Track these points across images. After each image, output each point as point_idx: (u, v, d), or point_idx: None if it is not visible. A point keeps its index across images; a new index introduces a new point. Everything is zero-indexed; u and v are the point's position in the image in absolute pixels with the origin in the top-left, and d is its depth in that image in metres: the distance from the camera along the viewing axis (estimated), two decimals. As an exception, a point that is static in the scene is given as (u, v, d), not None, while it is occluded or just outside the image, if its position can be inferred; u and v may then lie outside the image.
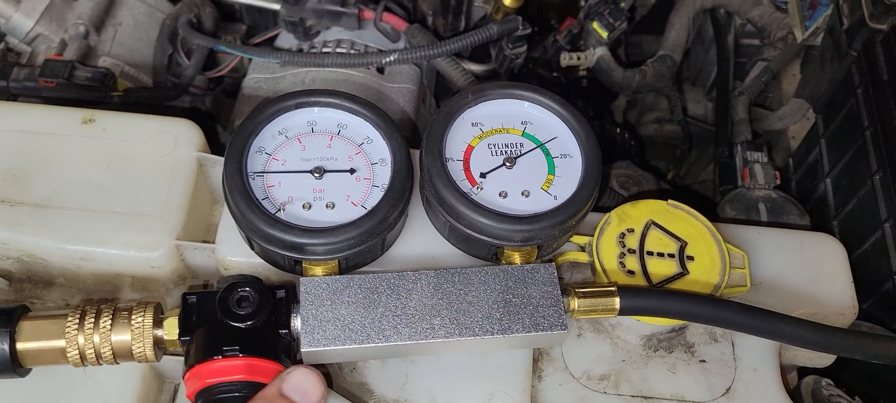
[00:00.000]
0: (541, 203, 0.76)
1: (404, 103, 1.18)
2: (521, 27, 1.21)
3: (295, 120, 0.79)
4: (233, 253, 0.80)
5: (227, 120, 1.34)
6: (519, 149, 0.79)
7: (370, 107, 0.78)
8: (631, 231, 0.84)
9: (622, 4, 1.38)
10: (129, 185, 0.82)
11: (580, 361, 0.82)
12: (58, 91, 1.11)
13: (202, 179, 0.85)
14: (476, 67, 1.35)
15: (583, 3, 1.61)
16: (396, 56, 1.16)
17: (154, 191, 0.82)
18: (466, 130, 0.80)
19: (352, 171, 0.76)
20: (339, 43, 1.23)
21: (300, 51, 1.24)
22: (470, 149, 0.79)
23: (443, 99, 1.36)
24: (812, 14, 1.27)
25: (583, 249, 0.84)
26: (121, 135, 0.85)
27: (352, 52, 1.21)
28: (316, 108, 0.79)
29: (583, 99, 1.52)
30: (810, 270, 0.89)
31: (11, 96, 1.14)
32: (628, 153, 1.37)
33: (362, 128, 0.79)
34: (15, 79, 1.13)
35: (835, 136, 1.14)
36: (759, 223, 1.07)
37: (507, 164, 0.78)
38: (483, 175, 0.76)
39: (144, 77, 1.29)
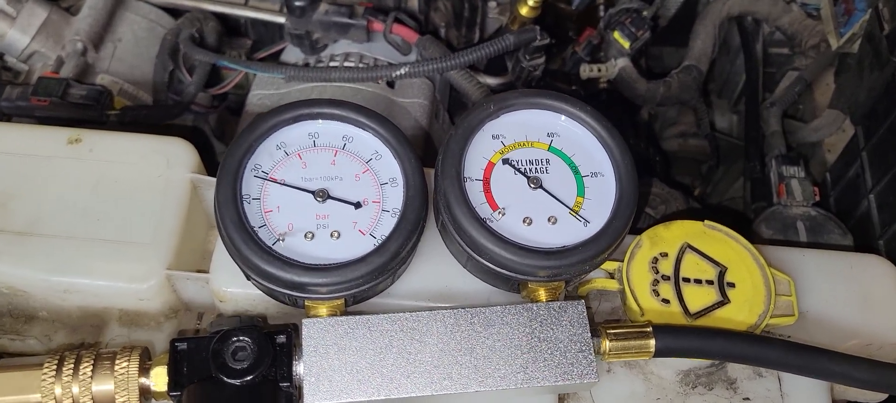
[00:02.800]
0: (570, 231, 0.69)
1: (416, 119, 1.12)
2: (538, 37, 1.14)
3: (295, 133, 0.72)
4: (228, 284, 0.73)
5: (231, 138, 1.28)
6: (544, 165, 0.72)
7: (379, 119, 0.71)
8: (664, 255, 0.76)
9: (645, 13, 1.31)
10: (116, 210, 0.75)
11: (611, 400, 0.74)
12: (51, 110, 1.05)
13: (196, 202, 0.79)
14: (492, 80, 1.28)
15: (602, 13, 1.54)
16: (407, 69, 1.09)
17: (144, 216, 0.75)
18: (487, 144, 0.72)
19: (357, 206, 0.68)
20: (346, 56, 1.17)
21: (306, 65, 1.18)
22: (491, 166, 0.72)
23: (457, 114, 1.29)
24: (847, 20, 1.20)
25: (611, 276, 0.76)
26: (109, 155, 0.79)
27: (360, 65, 1.15)
28: (319, 120, 0.72)
29: (603, 112, 1.45)
30: (861, 296, 0.81)
31: (5, 116, 1.09)
32: (653, 169, 1.30)
33: (370, 143, 0.72)
34: (7, 99, 1.08)
35: (878, 149, 1.06)
36: (798, 244, 0.99)
37: (532, 185, 0.70)
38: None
39: (144, 95, 1.23)
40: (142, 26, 1.28)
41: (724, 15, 1.37)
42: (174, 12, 1.31)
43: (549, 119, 0.74)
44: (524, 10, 1.22)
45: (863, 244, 1.03)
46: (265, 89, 1.16)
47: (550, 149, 0.73)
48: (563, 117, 0.74)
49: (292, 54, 1.23)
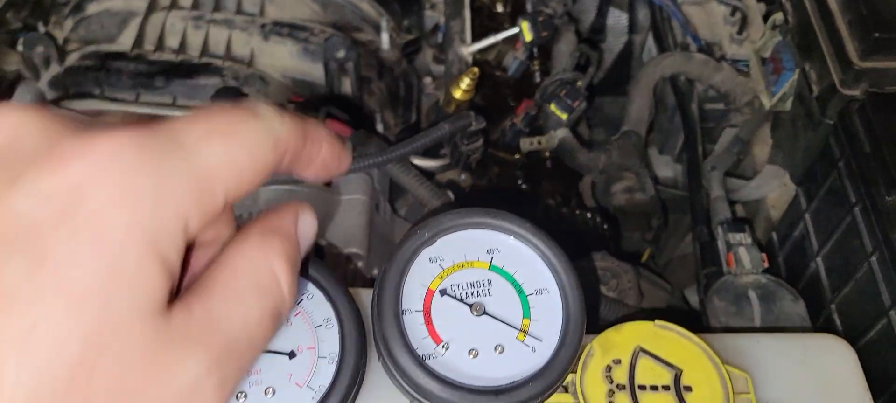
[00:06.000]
0: (518, 360, 0.65)
1: (356, 216, 1.09)
2: (474, 122, 1.13)
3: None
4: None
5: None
6: (487, 287, 0.69)
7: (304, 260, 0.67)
8: (617, 362, 0.74)
9: (579, 83, 1.31)
10: None
11: None
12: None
13: None
14: (431, 163, 1.26)
15: (538, 79, 1.54)
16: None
17: None
18: (424, 270, 0.69)
19: (292, 356, 0.64)
20: (280, 156, 1.14)
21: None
22: (430, 294, 0.68)
23: (397, 201, 1.26)
24: (777, 79, 1.21)
25: (566, 389, 0.73)
26: None
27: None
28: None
29: (548, 180, 1.45)
30: (819, 381, 0.79)
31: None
32: (603, 239, 1.28)
33: (300, 282, 0.68)
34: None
35: (820, 212, 1.06)
36: (752, 329, 0.98)
37: (475, 312, 0.67)
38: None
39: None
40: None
41: (657, 76, 1.38)
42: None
43: (489, 236, 0.71)
44: (458, 93, 1.21)
45: (816, 307, 1.03)
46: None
47: (491, 267, 0.70)
48: (502, 234, 0.71)
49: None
